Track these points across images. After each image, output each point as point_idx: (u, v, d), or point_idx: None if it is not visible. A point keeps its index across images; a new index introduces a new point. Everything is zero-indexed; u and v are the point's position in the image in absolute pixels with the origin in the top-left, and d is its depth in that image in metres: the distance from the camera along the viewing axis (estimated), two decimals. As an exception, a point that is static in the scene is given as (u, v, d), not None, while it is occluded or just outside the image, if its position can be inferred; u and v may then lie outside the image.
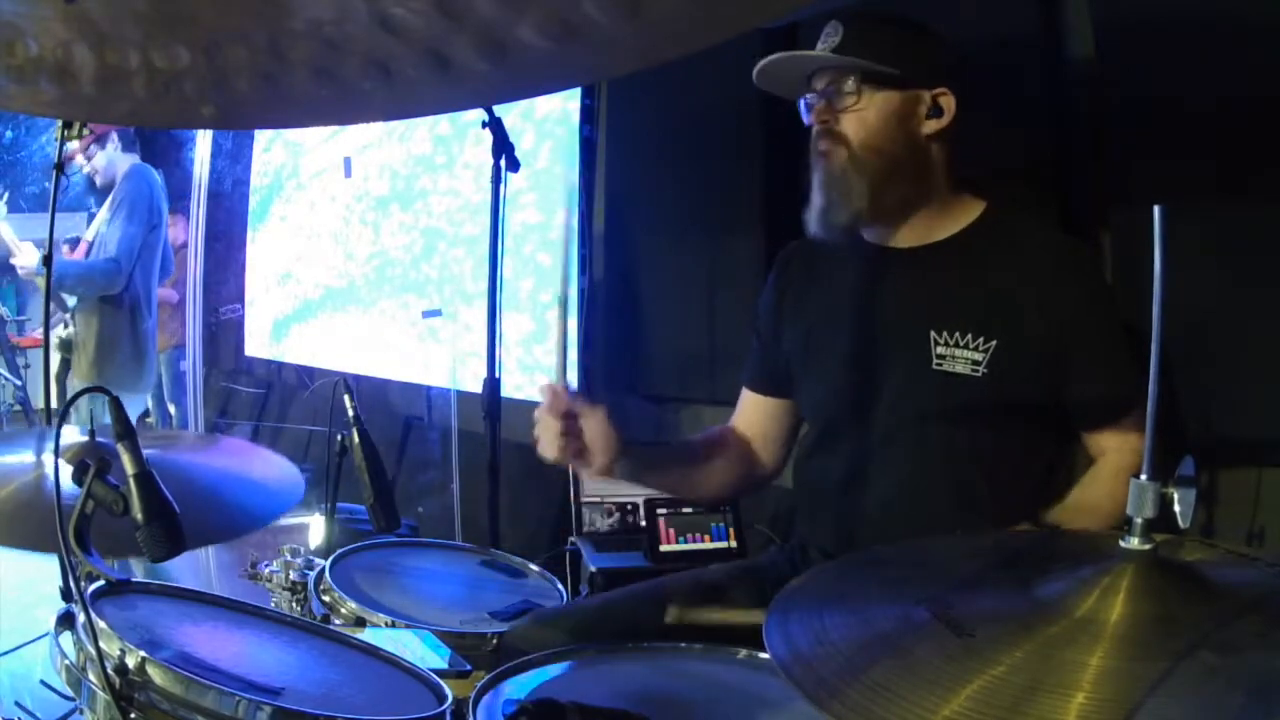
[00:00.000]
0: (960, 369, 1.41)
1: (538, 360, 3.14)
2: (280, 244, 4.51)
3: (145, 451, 1.10)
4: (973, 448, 1.44)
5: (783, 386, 1.66)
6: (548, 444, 1.36)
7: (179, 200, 4.12)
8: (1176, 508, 0.82)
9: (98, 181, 3.54)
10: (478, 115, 3.28)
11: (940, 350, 1.43)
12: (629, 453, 1.42)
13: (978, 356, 1.41)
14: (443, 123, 3.49)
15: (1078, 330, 1.40)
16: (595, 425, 1.37)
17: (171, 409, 4.56)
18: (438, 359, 3.43)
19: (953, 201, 1.49)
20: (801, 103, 1.51)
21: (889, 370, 1.48)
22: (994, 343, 1.40)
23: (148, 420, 4.40)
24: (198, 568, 3.22)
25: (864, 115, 1.43)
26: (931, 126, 1.44)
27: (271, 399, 5.17)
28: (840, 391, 1.55)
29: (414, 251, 3.63)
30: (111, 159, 3.49)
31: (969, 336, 1.41)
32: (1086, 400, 1.43)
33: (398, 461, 3.96)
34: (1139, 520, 0.81)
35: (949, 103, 1.44)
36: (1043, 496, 1.45)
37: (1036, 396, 1.42)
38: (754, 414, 1.70)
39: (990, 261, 1.44)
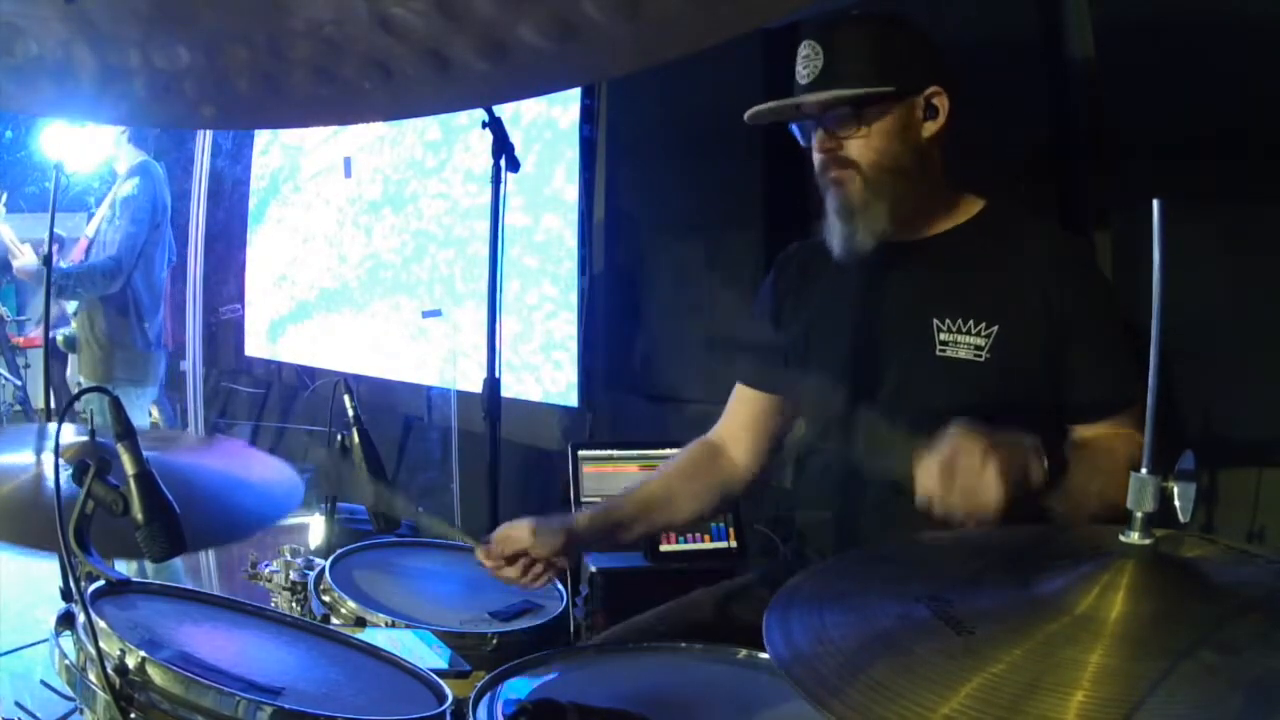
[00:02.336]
0: (963, 354, 1.42)
1: (525, 360, 3.16)
2: (277, 246, 4.54)
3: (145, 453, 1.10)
4: None
5: (779, 384, 1.66)
6: (523, 584, 1.48)
7: (180, 199, 4.11)
8: (1177, 502, 0.82)
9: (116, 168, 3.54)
10: (467, 120, 3.32)
11: (944, 337, 1.44)
12: (587, 534, 1.54)
13: (980, 342, 1.42)
14: (433, 128, 3.52)
15: (1076, 325, 1.41)
16: (540, 545, 1.46)
17: (156, 412, 4.53)
18: (431, 359, 3.46)
19: (953, 198, 1.50)
20: (794, 127, 1.51)
21: (892, 360, 1.48)
22: (995, 328, 1.41)
23: (154, 415, 4.39)
24: (198, 568, 3.22)
25: (869, 140, 1.42)
26: (930, 129, 1.44)
27: (271, 399, 5.17)
28: (843, 385, 1.55)
29: (405, 254, 3.67)
30: (119, 147, 3.49)
31: (971, 322, 1.42)
32: (1083, 395, 1.43)
33: (398, 461, 3.97)
34: (1139, 515, 0.81)
35: (943, 101, 1.43)
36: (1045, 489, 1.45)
37: (1038, 385, 1.43)
38: (746, 412, 1.69)
39: (991, 253, 1.45)
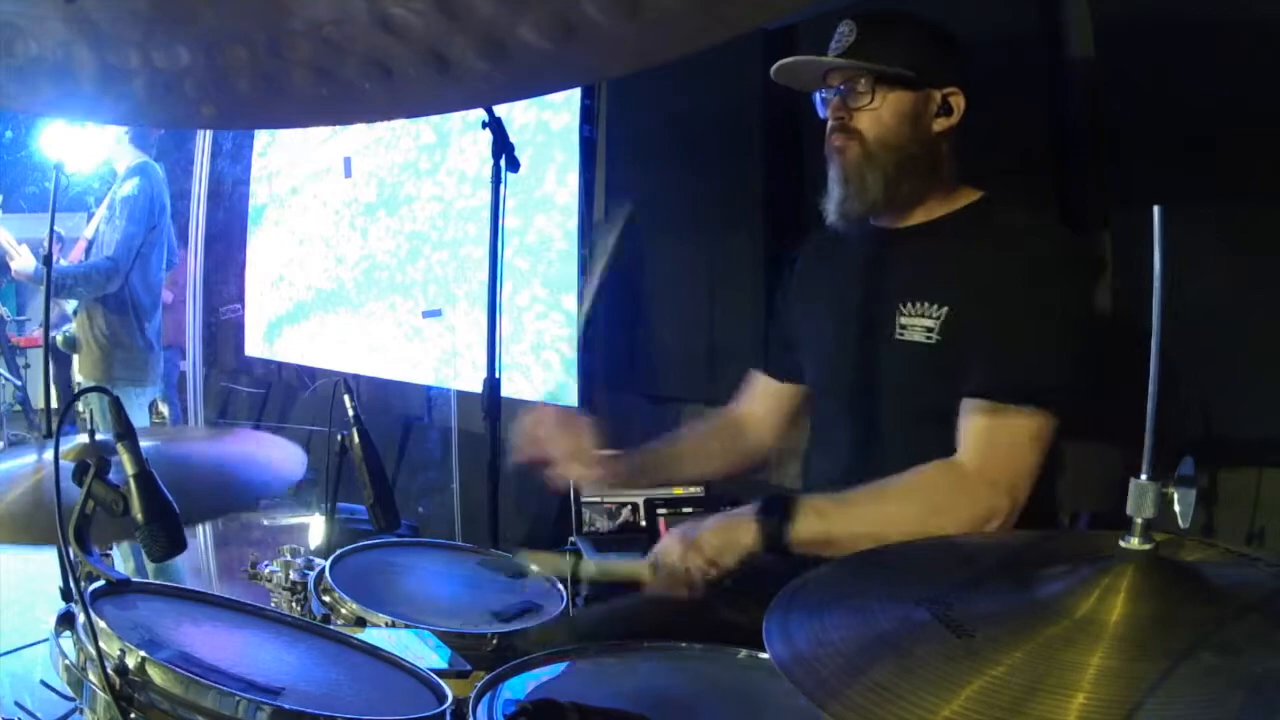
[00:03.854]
0: (917, 337, 1.45)
1: (515, 360, 3.17)
2: (274, 246, 4.57)
3: (151, 444, 1.10)
4: (935, 420, 1.43)
5: (793, 372, 1.74)
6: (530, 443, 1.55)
7: (180, 200, 4.12)
8: (1176, 507, 0.82)
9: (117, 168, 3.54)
10: (460, 123, 3.34)
11: (903, 320, 1.47)
12: (612, 462, 1.60)
13: (930, 323, 1.44)
14: (426, 131, 3.53)
15: (1007, 296, 1.39)
16: (583, 435, 1.55)
17: (163, 409, 4.55)
18: (428, 359, 3.48)
19: (953, 192, 1.53)
20: (817, 97, 1.55)
21: (860, 345, 1.53)
22: (946, 309, 1.43)
23: (161, 410, 4.42)
24: (198, 568, 3.22)
25: (878, 114, 1.48)
26: (941, 124, 1.49)
27: (271, 399, 5.18)
28: (828, 372, 1.62)
29: (400, 255, 3.70)
30: (119, 145, 3.49)
31: (925, 304, 1.45)
32: (975, 361, 1.40)
33: (398, 461, 3.97)
34: (1139, 520, 0.81)
35: (958, 102, 1.48)
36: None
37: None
38: (763, 393, 1.78)
39: (964, 239, 1.49)
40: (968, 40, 1.52)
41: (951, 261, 1.46)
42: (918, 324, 1.45)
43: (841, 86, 1.49)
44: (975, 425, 1.39)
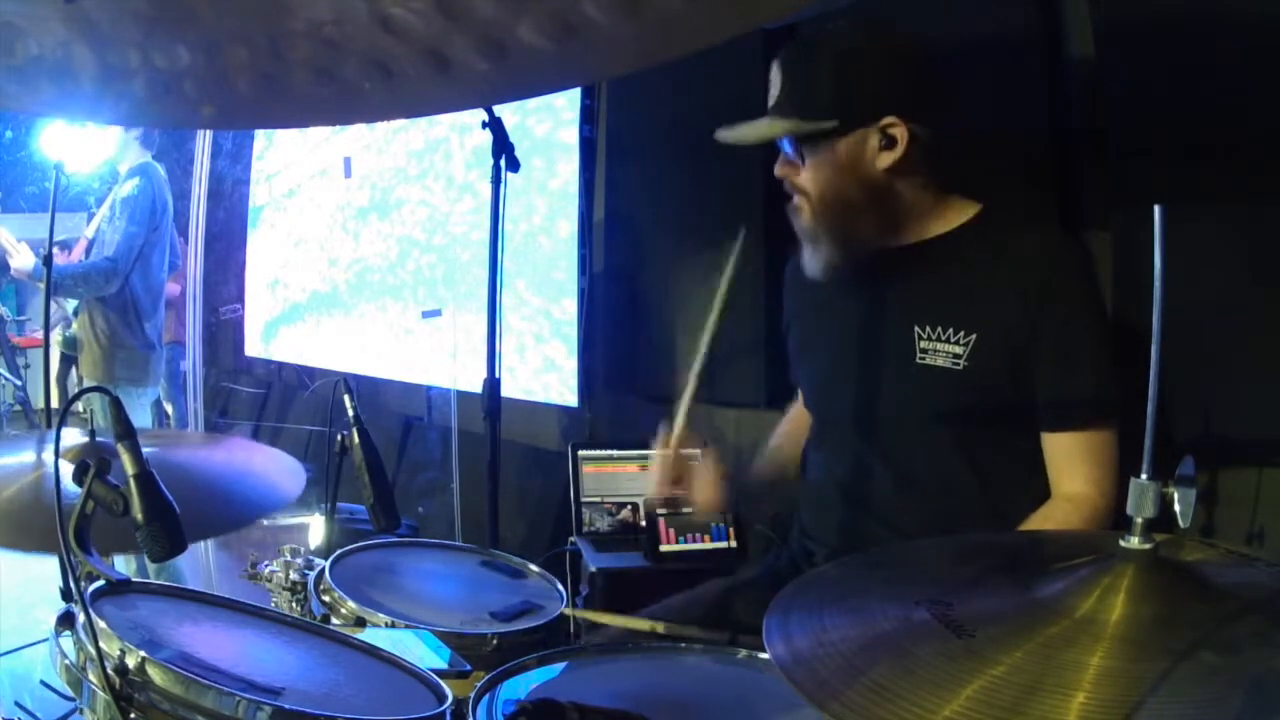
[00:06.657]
0: (942, 362, 1.42)
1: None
2: (271, 249, 4.59)
3: (148, 449, 1.10)
4: (959, 444, 1.44)
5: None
6: (659, 481, 1.53)
7: (180, 200, 4.12)
8: (1176, 507, 0.82)
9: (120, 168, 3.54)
10: (447, 128, 3.34)
11: (923, 345, 1.44)
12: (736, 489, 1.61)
13: (958, 350, 1.42)
14: (416, 137, 3.55)
15: (1047, 322, 1.39)
16: (707, 469, 1.54)
17: (168, 408, 4.57)
18: (425, 360, 3.49)
19: (942, 203, 1.48)
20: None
21: (874, 367, 1.50)
22: (974, 335, 1.41)
23: (166, 410, 4.44)
24: (198, 568, 3.22)
25: (812, 173, 1.43)
26: (886, 160, 1.40)
27: (271, 399, 5.18)
28: (828, 390, 1.58)
29: (390, 258, 3.71)
30: (125, 146, 3.49)
31: (950, 330, 1.42)
32: (1045, 402, 1.41)
33: (398, 461, 3.97)
34: (1139, 520, 0.81)
35: (901, 132, 1.38)
36: (1033, 496, 1.44)
37: (1018, 390, 1.42)
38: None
39: (976, 258, 1.44)
40: (968, 41, 1.50)
41: (969, 285, 1.43)
42: (943, 349, 1.42)
43: (780, 143, 1.45)
44: (1069, 450, 1.41)
